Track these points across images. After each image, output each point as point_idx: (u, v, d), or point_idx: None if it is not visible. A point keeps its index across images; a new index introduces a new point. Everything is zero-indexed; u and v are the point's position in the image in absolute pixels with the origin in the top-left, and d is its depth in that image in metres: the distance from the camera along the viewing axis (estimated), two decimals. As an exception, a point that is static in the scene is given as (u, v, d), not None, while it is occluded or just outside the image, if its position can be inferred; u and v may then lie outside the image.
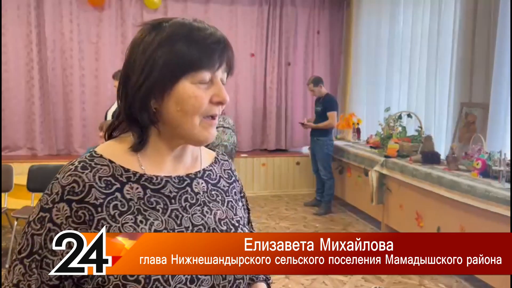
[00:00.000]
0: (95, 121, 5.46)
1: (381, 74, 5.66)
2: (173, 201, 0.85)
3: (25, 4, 5.70)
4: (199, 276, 0.81)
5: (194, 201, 0.88)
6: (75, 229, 0.78)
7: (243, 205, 1.01)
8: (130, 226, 0.79)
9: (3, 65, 5.63)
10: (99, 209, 0.79)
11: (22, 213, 3.78)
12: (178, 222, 0.84)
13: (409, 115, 4.80)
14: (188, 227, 0.84)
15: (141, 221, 0.80)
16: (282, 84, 6.64)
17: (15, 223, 3.78)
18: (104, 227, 0.78)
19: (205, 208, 0.88)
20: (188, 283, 0.80)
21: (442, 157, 4.05)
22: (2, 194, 3.97)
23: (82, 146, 5.91)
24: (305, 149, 6.46)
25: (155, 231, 0.80)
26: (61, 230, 0.78)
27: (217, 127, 4.80)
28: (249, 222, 1.05)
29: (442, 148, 4.32)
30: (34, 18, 5.73)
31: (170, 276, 0.78)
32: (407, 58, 5.13)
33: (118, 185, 0.82)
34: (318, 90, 5.35)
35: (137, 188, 0.83)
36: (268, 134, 6.61)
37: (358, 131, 5.92)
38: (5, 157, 5.44)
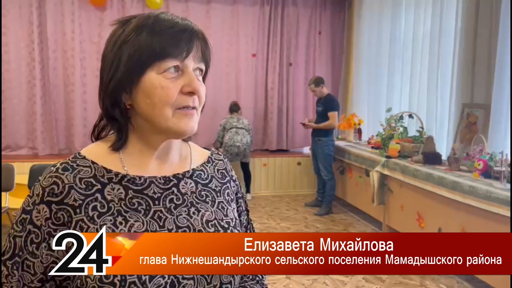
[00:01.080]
0: (97, 121, 5.47)
1: (382, 74, 5.66)
2: (156, 202, 0.82)
3: (26, 3, 5.71)
4: (181, 281, 0.78)
5: (180, 202, 0.84)
6: (54, 230, 0.77)
7: (239, 206, 0.97)
8: (108, 227, 0.77)
9: (4, 65, 5.64)
10: (78, 210, 0.78)
11: (23, 212, 3.78)
12: (161, 223, 0.81)
13: (410, 116, 4.80)
14: (172, 229, 0.81)
15: (120, 223, 0.78)
16: (283, 85, 6.64)
17: (16, 222, 3.79)
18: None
19: (192, 209, 0.85)
20: (168, 287, 0.77)
21: (444, 157, 4.05)
22: (3, 193, 3.97)
23: (83, 146, 5.75)
24: (306, 150, 6.47)
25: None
26: (41, 232, 0.77)
27: (230, 128, 4.96)
28: (248, 223, 1.02)
29: (443, 148, 4.31)
30: (35, 18, 5.74)
31: (147, 279, 0.75)
32: (408, 59, 5.13)
33: (99, 186, 0.80)
34: (319, 90, 5.35)
35: (119, 189, 0.81)
36: (269, 134, 6.61)
37: (359, 132, 5.91)
38: (6, 157, 5.45)
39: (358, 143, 5.64)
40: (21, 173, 4.50)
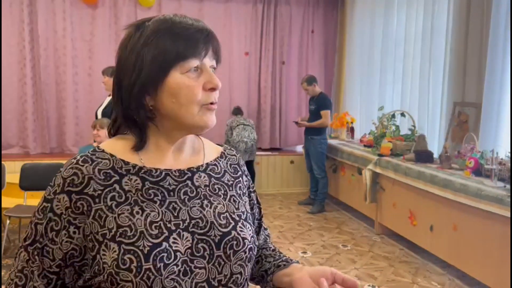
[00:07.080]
0: (88, 119, 5.43)
1: (375, 73, 5.68)
2: (171, 193, 0.86)
3: (17, 1, 5.66)
4: (193, 269, 0.82)
5: (193, 194, 0.88)
6: (74, 219, 0.80)
7: (251, 200, 1.02)
8: (126, 216, 0.81)
9: (-5, 63, 5.59)
10: (97, 200, 0.81)
11: (15, 211, 3.75)
12: (175, 214, 0.84)
13: (402, 114, 4.82)
14: (186, 219, 0.84)
15: (137, 212, 0.81)
16: (276, 83, 6.64)
17: (8, 221, 3.76)
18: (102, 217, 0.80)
19: (205, 202, 0.88)
20: (181, 275, 0.80)
21: (435, 156, 4.08)
22: (-6, 192, 3.94)
23: (75, 145, 5.88)
24: (299, 148, 6.48)
25: (151, 222, 0.81)
26: (61, 220, 0.80)
27: (237, 125, 5.11)
28: (261, 217, 1.08)
29: (435, 147, 4.34)
30: (26, 16, 5.69)
31: (162, 266, 0.78)
32: (400, 58, 5.15)
33: (117, 177, 0.84)
34: (311, 89, 5.36)
35: (136, 180, 0.84)
36: (262, 133, 6.61)
37: (352, 130, 5.93)
38: (-3, 156, 5.41)
39: (350, 142, 5.66)
40: (12, 172, 4.46)
